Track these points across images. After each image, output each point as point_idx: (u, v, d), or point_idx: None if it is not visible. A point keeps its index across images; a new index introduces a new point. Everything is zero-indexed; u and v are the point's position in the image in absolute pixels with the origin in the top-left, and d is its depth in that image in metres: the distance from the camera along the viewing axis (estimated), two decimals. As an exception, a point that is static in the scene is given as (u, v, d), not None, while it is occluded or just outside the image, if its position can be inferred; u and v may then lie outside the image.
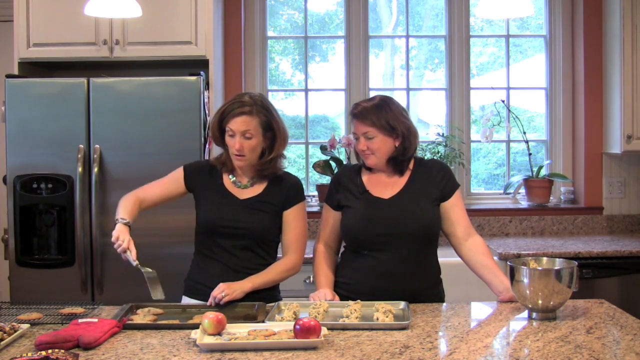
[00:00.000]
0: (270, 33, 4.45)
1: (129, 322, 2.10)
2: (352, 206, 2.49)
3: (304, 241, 2.54)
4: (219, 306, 2.26)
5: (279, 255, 2.57)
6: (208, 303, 2.29)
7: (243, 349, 1.85)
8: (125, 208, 2.42)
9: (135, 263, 2.27)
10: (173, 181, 2.56)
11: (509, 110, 4.32)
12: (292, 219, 2.51)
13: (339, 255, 2.62)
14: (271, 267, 2.48)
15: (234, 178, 2.52)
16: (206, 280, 2.45)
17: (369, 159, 2.47)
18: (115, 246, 2.28)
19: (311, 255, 2.64)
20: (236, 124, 2.39)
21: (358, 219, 2.46)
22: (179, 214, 3.10)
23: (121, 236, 2.28)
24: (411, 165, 2.53)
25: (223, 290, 2.28)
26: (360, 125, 2.43)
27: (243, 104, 2.40)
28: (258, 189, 2.51)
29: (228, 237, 2.46)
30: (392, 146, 2.45)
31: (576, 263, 2.19)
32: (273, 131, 2.46)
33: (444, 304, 2.43)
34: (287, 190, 2.51)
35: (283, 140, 2.49)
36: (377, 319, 2.09)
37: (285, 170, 2.57)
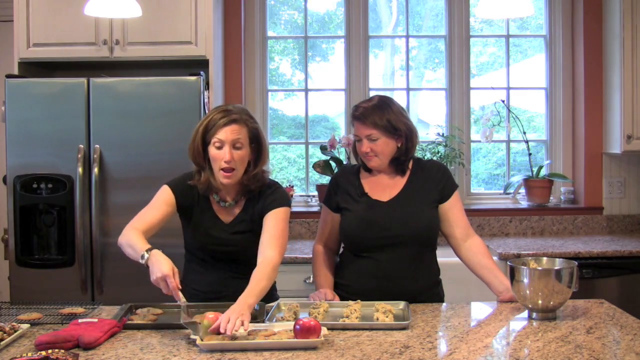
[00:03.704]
0: (270, 33, 4.45)
1: (129, 322, 2.10)
2: (351, 209, 2.48)
3: (283, 242, 2.31)
4: (218, 306, 2.25)
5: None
6: (228, 333, 1.93)
7: (243, 349, 1.85)
8: (140, 239, 2.20)
9: (183, 302, 2.06)
10: (165, 204, 2.37)
11: (509, 110, 4.32)
12: (270, 219, 2.32)
13: (338, 256, 2.62)
14: (257, 274, 2.19)
15: (218, 197, 2.41)
16: (203, 287, 2.44)
17: (372, 161, 2.46)
18: (161, 284, 2.07)
19: (309, 255, 2.64)
20: (225, 133, 2.26)
21: (357, 223, 2.45)
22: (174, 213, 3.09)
23: (166, 269, 2.06)
24: (410, 166, 2.53)
25: (237, 318, 1.97)
26: (363, 127, 2.42)
27: (230, 113, 2.30)
28: (240, 205, 2.41)
29: (218, 258, 2.41)
30: (394, 147, 2.45)
31: (576, 263, 2.19)
32: (258, 143, 2.37)
33: (444, 304, 2.43)
34: (264, 198, 2.37)
35: (268, 153, 2.42)
36: (377, 319, 2.09)
37: (272, 178, 2.48)
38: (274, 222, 2.32)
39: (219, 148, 2.28)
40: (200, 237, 2.42)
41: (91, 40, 3.58)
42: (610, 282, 3.53)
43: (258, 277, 2.18)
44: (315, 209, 4.19)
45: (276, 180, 2.58)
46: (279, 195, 2.38)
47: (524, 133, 4.24)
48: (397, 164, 2.48)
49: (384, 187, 2.49)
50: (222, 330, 1.94)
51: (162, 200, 2.38)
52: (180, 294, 2.07)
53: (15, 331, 1.97)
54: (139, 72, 3.77)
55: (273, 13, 4.50)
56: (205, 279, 2.44)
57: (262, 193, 2.39)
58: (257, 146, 2.37)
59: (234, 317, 1.97)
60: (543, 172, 4.29)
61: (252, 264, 2.40)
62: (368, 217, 2.44)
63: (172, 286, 2.05)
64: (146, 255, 2.13)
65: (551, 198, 4.31)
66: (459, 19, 4.37)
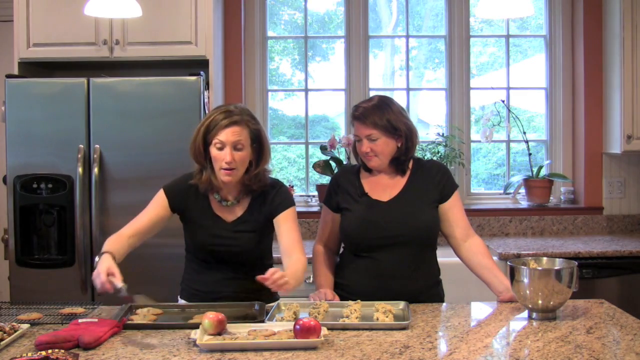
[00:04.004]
0: (270, 33, 4.45)
1: (129, 322, 2.10)
2: (351, 209, 2.48)
3: (302, 243, 2.41)
4: (218, 306, 2.25)
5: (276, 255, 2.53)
6: (269, 283, 2.07)
7: (243, 349, 1.85)
8: (108, 243, 2.27)
9: (120, 286, 2.09)
10: (159, 206, 2.41)
11: (509, 110, 4.32)
12: (284, 221, 2.39)
13: (338, 256, 2.62)
14: (295, 266, 2.28)
15: (219, 197, 2.41)
16: (204, 287, 2.44)
17: (372, 161, 2.46)
18: (96, 281, 2.11)
19: (309, 256, 2.64)
20: (226, 134, 2.26)
21: (357, 223, 2.45)
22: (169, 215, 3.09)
23: (100, 268, 2.11)
24: (410, 165, 2.53)
25: (285, 276, 2.10)
26: (363, 127, 2.42)
27: (231, 114, 2.29)
28: (243, 205, 2.41)
29: (218, 258, 2.41)
30: (394, 147, 2.45)
31: (576, 263, 2.19)
32: (260, 143, 2.36)
33: (444, 304, 2.43)
34: (271, 199, 2.40)
35: (269, 153, 2.41)
36: (377, 319, 2.09)
37: (273, 177, 2.48)
38: (289, 226, 2.39)
39: (220, 149, 2.29)
40: (202, 237, 2.42)
41: (91, 40, 3.58)
42: (610, 282, 3.53)
43: (295, 269, 2.27)
44: (315, 209, 4.19)
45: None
46: (285, 196, 2.42)
47: (524, 133, 4.24)
48: (397, 164, 2.48)
49: (384, 187, 2.49)
50: (268, 275, 2.05)
51: (155, 204, 2.42)
52: (115, 282, 2.07)
53: (15, 331, 1.97)
54: (139, 72, 3.77)
55: (273, 13, 4.50)
56: (206, 279, 2.44)
57: (266, 193, 2.40)
58: (259, 146, 2.37)
59: (281, 274, 2.08)
60: (543, 172, 4.29)
61: (253, 264, 2.41)
62: (368, 217, 2.44)
63: (101, 280, 2.07)
64: (96, 259, 2.18)
65: (551, 198, 4.31)
66: (459, 19, 4.37)
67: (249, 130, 2.32)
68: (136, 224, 2.38)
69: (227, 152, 2.27)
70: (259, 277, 2.08)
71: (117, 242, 2.29)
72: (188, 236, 2.48)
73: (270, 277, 2.07)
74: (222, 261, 2.42)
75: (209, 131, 2.30)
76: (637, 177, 4.26)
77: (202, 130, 2.32)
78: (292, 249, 2.35)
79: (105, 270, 2.10)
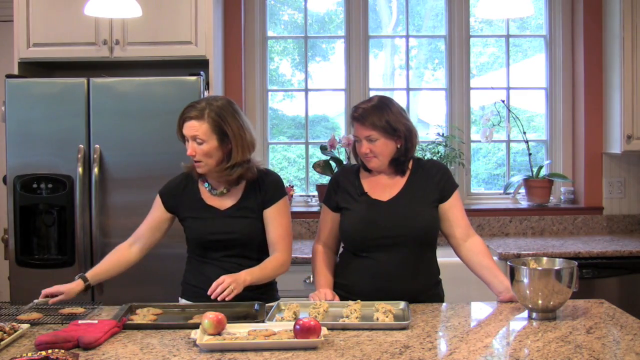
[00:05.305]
0: (270, 33, 4.45)
1: (129, 322, 2.10)
2: (351, 208, 2.48)
3: (289, 239, 2.48)
4: (218, 306, 2.25)
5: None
6: (213, 297, 2.20)
7: (243, 349, 1.85)
8: (99, 264, 2.54)
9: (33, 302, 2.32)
10: (155, 209, 2.53)
11: (509, 110, 4.32)
12: (273, 217, 2.45)
13: (338, 256, 2.62)
14: (266, 262, 2.42)
15: (209, 186, 2.47)
16: (203, 284, 2.42)
17: (372, 162, 2.46)
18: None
19: (309, 255, 2.64)
20: (186, 128, 2.35)
21: (357, 222, 2.45)
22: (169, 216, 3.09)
23: (58, 286, 2.37)
24: (410, 165, 2.53)
25: (230, 284, 2.21)
26: (362, 128, 2.42)
27: (194, 109, 2.35)
28: (236, 194, 2.46)
29: (218, 249, 2.44)
30: (394, 148, 2.45)
31: (576, 263, 2.19)
32: (227, 135, 2.36)
33: (444, 304, 2.43)
34: (264, 190, 2.45)
35: (241, 148, 2.37)
36: (377, 319, 2.09)
37: (267, 168, 2.55)
38: (278, 220, 2.45)
39: (187, 141, 2.38)
40: (198, 229, 2.46)
41: (91, 40, 3.58)
42: (610, 282, 3.53)
43: (264, 265, 2.40)
44: (315, 209, 4.19)
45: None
46: (276, 188, 2.47)
47: (524, 133, 4.24)
48: (397, 164, 2.48)
49: (383, 187, 2.49)
50: (209, 292, 2.19)
51: (152, 208, 2.55)
52: (37, 300, 2.33)
53: (15, 331, 1.97)
54: (139, 72, 3.77)
55: (273, 13, 4.50)
56: (206, 276, 2.44)
57: (260, 182, 2.46)
58: (229, 140, 2.37)
59: (226, 284, 2.19)
60: (543, 172, 4.29)
61: (252, 258, 2.42)
62: (368, 217, 2.44)
63: (45, 292, 2.34)
64: (75, 278, 2.44)
65: (551, 198, 4.31)
66: (459, 19, 4.37)
67: (209, 125, 2.34)
68: (138, 231, 2.53)
69: (189, 144, 2.36)
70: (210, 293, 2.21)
71: (109, 261, 2.53)
72: (187, 232, 2.52)
73: (213, 290, 2.20)
74: (224, 254, 2.43)
75: (179, 122, 2.41)
76: (637, 177, 4.26)
77: (177, 120, 2.42)
78: (276, 244, 2.44)
79: (55, 290, 2.33)
